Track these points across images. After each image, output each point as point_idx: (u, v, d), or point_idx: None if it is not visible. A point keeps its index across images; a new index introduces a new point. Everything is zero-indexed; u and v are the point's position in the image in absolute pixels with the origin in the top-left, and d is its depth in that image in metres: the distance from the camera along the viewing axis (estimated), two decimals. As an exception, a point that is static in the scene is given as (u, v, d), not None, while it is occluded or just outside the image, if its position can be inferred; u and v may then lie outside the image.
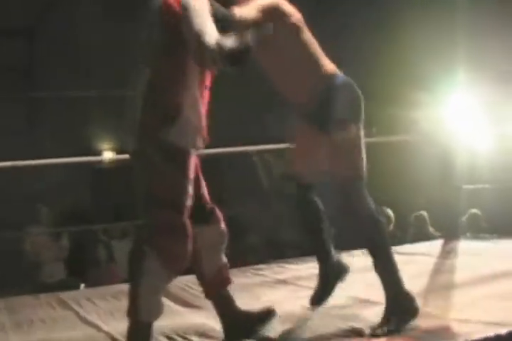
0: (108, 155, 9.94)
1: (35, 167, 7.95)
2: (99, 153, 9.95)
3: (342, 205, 3.17)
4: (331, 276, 3.43)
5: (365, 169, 3.19)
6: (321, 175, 3.36)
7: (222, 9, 2.87)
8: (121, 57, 9.29)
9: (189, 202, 2.81)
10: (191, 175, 2.82)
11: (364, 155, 3.20)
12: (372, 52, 8.76)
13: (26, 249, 7.05)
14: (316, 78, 3.15)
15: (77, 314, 3.93)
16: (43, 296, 4.48)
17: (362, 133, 3.20)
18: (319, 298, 3.43)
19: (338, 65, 3.22)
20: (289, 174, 3.36)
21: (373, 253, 3.14)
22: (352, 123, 3.15)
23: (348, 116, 3.15)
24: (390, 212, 7.31)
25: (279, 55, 3.14)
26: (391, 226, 7.18)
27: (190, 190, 2.81)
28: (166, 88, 2.76)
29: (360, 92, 3.21)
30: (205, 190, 3.05)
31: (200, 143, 2.87)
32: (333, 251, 3.46)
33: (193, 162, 2.89)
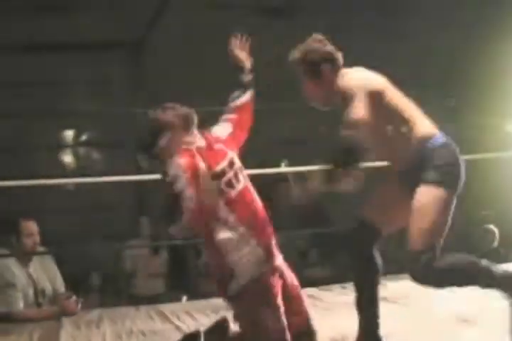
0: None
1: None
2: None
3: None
4: None
5: (441, 239, 3.06)
6: (393, 230, 3.28)
7: None
8: (233, 70, 9.51)
9: None
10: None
11: (447, 225, 3.07)
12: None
13: (125, 262, 7.18)
14: (410, 143, 3.08)
15: (177, 327, 3.98)
16: (143, 308, 4.55)
17: (454, 201, 3.08)
18: None
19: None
20: (363, 218, 3.26)
21: None
22: (442, 188, 3.03)
23: (438, 180, 3.03)
24: (493, 228, 7.14)
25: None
26: (495, 243, 7.02)
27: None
28: None
29: (459, 156, 3.11)
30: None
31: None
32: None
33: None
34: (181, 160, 2.82)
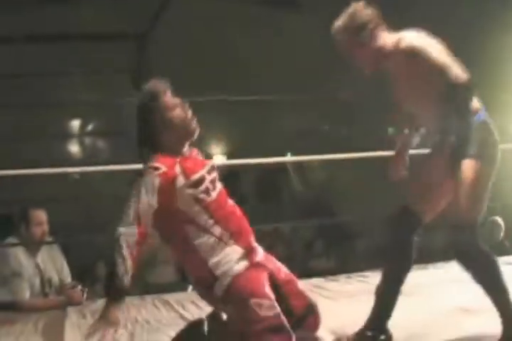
0: (219, 159, 10.06)
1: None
2: (210, 156, 10.08)
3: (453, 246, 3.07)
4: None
5: (482, 212, 3.06)
6: (433, 217, 3.26)
7: None
8: (234, 61, 9.54)
9: None
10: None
11: (486, 200, 3.08)
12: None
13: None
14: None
15: (181, 316, 3.99)
16: (148, 297, 4.55)
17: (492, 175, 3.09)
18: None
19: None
20: (406, 206, 3.22)
21: (489, 294, 3.05)
22: (484, 164, 3.05)
23: (482, 155, 3.04)
24: (499, 220, 7.13)
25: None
26: (501, 235, 7.01)
27: None
28: None
29: (496, 135, 3.12)
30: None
31: None
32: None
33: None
34: (156, 180, 2.86)
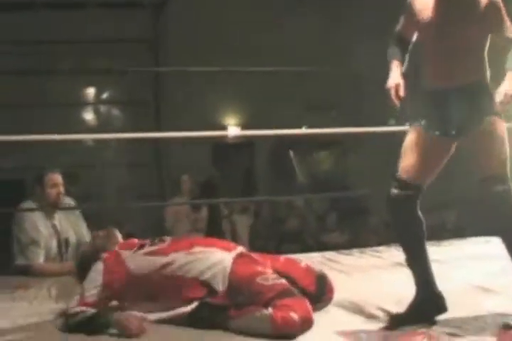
0: (233, 130, 10.05)
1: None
2: (224, 127, 10.06)
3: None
4: (427, 306, 3.14)
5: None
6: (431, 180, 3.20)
7: None
8: (253, 34, 9.48)
9: None
10: None
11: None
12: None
13: (166, 217, 7.23)
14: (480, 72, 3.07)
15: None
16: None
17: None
18: (399, 321, 3.10)
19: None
20: (402, 178, 3.16)
21: None
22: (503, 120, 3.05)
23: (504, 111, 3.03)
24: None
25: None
26: None
27: None
28: None
29: None
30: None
31: None
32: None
33: None
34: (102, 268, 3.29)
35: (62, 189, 4.72)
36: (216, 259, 3.20)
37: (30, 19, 8.86)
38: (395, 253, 4.74)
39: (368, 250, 4.96)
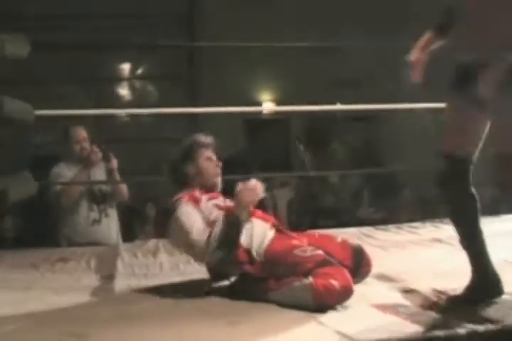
0: (267, 106, 10.03)
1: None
2: (258, 103, 10.03)
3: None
4: (484, 289, 2.98)
5: None
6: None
7: None
8: (285, 8, 9.46)
9: None
10: None
11: None
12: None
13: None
14: None
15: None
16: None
17: None
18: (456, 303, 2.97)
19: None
20: (450, 153, 2.98)
21: None
22: None
23: None
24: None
25: None
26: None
27: None
28: None
29: None
30: None
31: None
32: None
33: None
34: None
35: (87, 144, 4.81)
36: (258, 230, 3.26)
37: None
38: (432, 229, 4.77)
39: (405, 226, 4.96)
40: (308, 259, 3.02)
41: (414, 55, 3.09)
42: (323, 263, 2.98)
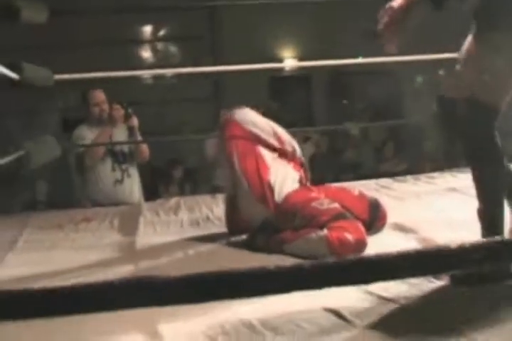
0: (289, 62, 10.01)
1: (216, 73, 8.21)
2: (280, 60, 10.02)
3: None
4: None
5: None
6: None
7: None
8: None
9: None
10: None
11: None
12: None
13: (206, 150, 7.32)
14: None
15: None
16: (219, 196, 4.63)
17: None
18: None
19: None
20: (474, 99, 2.57)
21: None
22: None
23: None
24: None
25: None
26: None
27: None
28: None
29: None
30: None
31: None
32: None
33: None
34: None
35: (106, 106, 4.90)
36: (288, 176, 3.46)
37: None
38: (449, 179, 4.79)
39: (423, 176, 4.98)
40: (324, 212, 3.09)
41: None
42: (339, 216, 3.06)
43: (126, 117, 4.87)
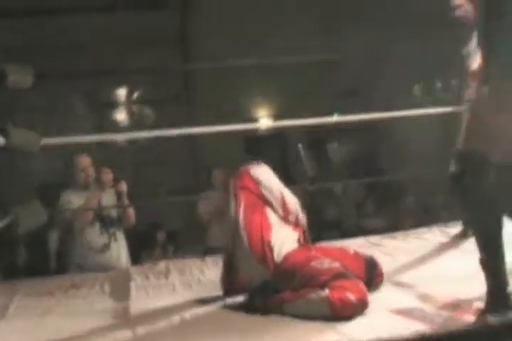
0: (264, 122, 10.08)
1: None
2: (255, 120, 10.08)
3: None
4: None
5: None
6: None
7: None
8: (280, 26, 9.51)
9: None
10: None
11: None
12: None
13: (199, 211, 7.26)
14: None
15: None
16: (208, 259, 4.61)
17: None
18: None
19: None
20: (468, 153, 2.68)
21: None
22: None
23: None
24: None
25: None
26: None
27: None
28: None
29: None
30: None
31: None
32: None
33: None
34: None
35: (91, 171, 4.88)
36: (288, 237, 3.46)
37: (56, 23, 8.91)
38: (438, 234, 4.79)
39: (412, 232, 4.97)
40: (324, 272, 3.06)
41: None
42: (339, 275, 3.03)
43: (115, 182, 4.85)
